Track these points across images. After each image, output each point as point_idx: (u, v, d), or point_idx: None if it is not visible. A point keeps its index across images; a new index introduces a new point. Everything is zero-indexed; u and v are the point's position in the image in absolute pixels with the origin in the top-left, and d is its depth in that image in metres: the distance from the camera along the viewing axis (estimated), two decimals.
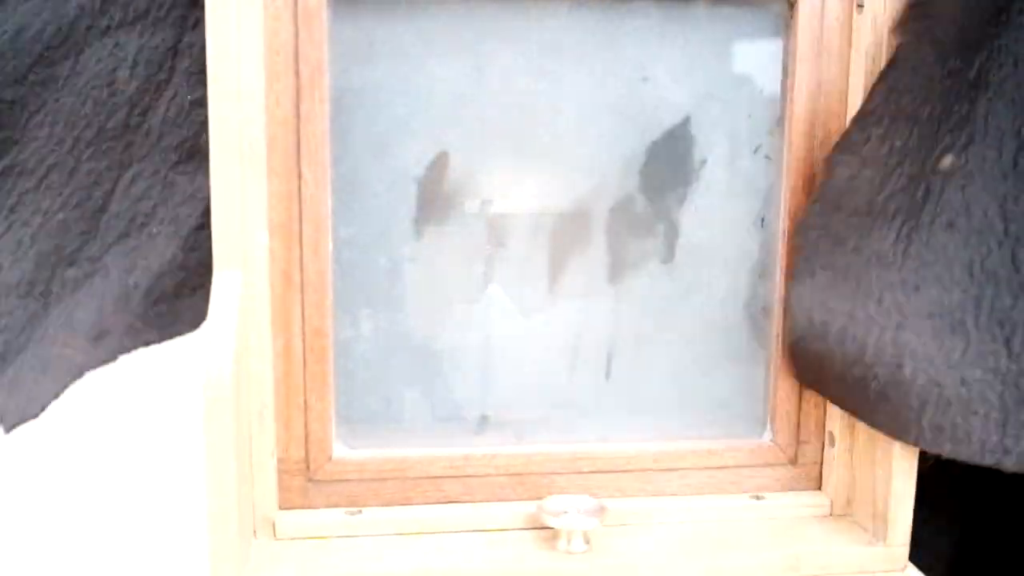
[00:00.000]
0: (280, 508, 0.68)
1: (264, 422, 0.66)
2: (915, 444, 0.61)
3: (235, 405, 0.58)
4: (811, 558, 0.66)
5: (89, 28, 0.65)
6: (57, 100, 0.66)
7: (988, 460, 0.58)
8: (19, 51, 0.63)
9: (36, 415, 0.68)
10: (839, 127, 0.69)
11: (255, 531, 0.67)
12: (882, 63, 0.66)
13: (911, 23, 0.62)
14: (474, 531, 0.69)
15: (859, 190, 0.64)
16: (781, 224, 0.72)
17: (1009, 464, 0.58)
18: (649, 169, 0.71)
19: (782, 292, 0.71)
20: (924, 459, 0.63)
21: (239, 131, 0.61)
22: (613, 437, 0.73)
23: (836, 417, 0.72)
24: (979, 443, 0.58)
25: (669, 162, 0.71)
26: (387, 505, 0.69)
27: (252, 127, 0.62)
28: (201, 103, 0.67)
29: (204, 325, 0.64)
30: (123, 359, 0.69)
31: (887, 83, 0.64)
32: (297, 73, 0.64)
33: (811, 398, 0.72)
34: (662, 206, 0.72)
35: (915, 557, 0.67)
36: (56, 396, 0.68)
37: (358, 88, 0.67)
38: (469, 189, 0.69)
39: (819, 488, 0.74)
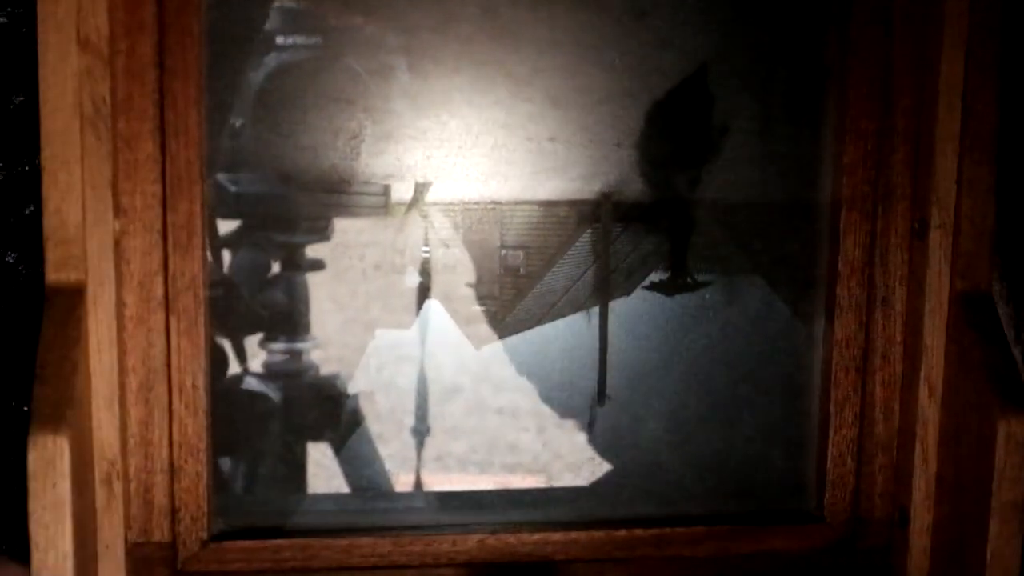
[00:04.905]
0: None
1: (113, 492, 0.60)
2: None
3: (72, 469, 0.53)
4: None
5: None
6: None
7: None
8: None
9: None
10: (914, 83, 0.63)
11: None
12: None
13: None
14: None
15: None
16: (831, 216, 0.67)
17: None
18: (650, 140, 0.66)
19: (833, 310, 0.66)
20: None
21: (77, 85, 0.57)
22: (599, 513, 0.68)
23: (912, 484, 0.66)
24: None
25: (678, 130, 0.67)
26: None
27: (96, 80, 0.58)
28: None
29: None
30: None
31: None
32: (160, 5, 0.59)
33: (875, 458, 0.67)
34: (668, 191, 0.67)
35: None
36: None
37: (243, 31, 0.63)
38: (397, 168, 0.66)
39: None
